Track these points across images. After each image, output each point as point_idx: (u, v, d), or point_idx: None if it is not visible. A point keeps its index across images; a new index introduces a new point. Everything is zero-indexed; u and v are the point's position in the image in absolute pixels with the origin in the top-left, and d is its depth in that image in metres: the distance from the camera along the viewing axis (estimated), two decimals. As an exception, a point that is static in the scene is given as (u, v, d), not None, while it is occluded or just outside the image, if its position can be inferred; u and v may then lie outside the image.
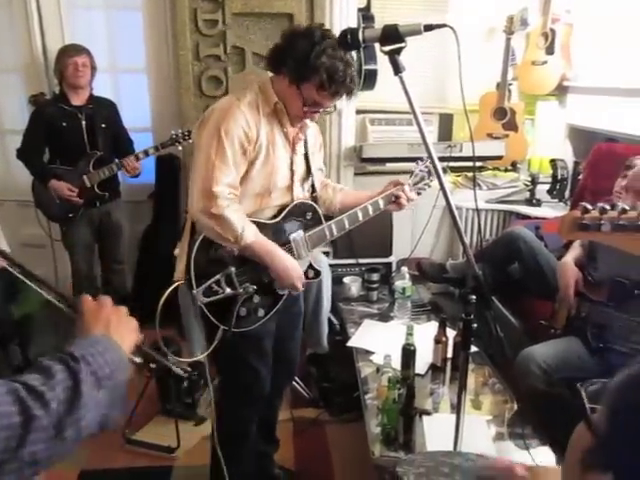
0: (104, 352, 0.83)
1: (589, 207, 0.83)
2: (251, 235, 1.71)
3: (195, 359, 1.64)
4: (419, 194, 2.06)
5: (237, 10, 3.18)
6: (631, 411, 0.59)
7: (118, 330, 0.91)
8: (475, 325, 1.31)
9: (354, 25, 3.21)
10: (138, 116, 3.57)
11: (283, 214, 1.85)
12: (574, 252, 2.36)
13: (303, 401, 2.82)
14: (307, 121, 1.87)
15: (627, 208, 0.82)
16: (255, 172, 1.76)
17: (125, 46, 3.53)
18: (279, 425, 2.35)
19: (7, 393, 0.71)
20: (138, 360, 0.99)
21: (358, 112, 3.57)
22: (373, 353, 2.36)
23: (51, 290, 1.01)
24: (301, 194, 1.92)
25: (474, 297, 1.27)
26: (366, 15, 3.38)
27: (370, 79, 3.35)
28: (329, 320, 2.89)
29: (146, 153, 3.05)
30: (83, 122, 3.04)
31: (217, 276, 1.74)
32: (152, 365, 1.04)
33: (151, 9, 3.41)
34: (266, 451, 2.27)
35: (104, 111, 3.14)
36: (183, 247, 1.83)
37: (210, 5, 3.17)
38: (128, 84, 3.63)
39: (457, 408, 1.40)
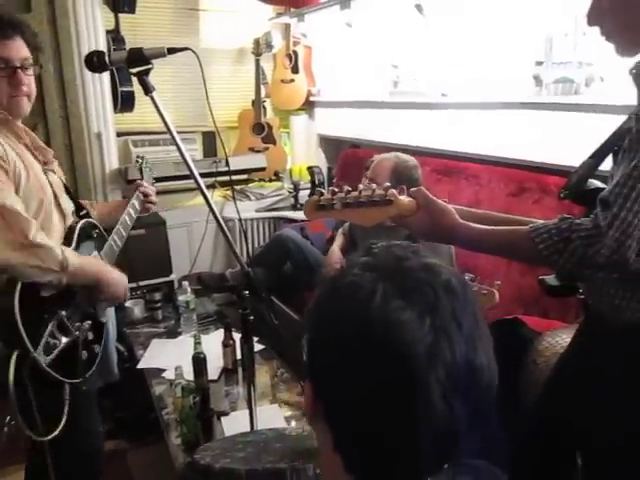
0: None
1: (323, 191, 1.01)
2: (74, 256, 1.53)
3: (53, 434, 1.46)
4: (154, 183, 2.21)
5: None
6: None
7: None
8: (252, 318, 1.44)
9: (103, 48, 3.17)
10: None
11: (75, 239, 1.68)
12: (338, 241, 2.70)
13: (98, 436, 2.69)
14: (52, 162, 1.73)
15: (350, 189, 1.01)
16: (27, 192, 1.55)
17: None
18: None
19: None
20: None
21: (119, 134, 3.52)
22: (165, 370, 2.38)
23: None
24: (71, 210, 1.77)
25: (247, 292, 1.42)
26: (116, 37, 3.36)
27: (127, 101, 3.34)
28: (116, 348, 2.81)
29: None
30: None
31: (49, 327, 1.51)
32: None
33: None
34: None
35: None
36: None
37: None
38: None
39: (248, 396, 1.52)
